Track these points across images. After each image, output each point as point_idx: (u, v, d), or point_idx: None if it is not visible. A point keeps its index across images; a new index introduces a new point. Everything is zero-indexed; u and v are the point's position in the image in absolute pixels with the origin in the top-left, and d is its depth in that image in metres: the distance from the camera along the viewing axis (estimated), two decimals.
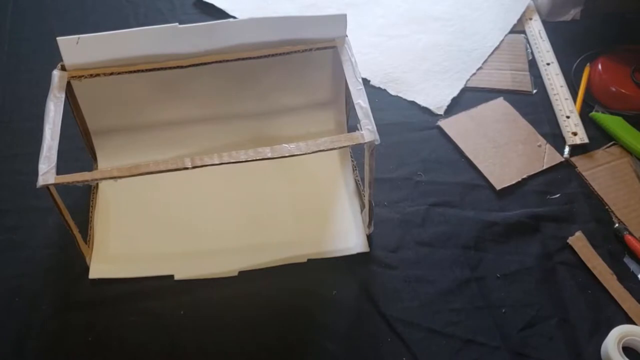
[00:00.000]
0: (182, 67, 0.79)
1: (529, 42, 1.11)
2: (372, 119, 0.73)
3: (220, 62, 0.80)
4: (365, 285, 0.81)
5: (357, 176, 0.91)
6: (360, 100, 0.74)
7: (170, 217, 0.88)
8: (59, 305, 0.79)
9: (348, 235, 0.85)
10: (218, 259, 0.83)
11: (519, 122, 0.99)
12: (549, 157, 0.94)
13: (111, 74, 0.78)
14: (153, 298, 0.80)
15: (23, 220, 0.87)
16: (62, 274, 0.82)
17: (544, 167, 0.93)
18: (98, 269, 0.82)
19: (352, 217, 0.85)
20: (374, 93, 1.03)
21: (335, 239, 0.85)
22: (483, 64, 1.08)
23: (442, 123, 0.99)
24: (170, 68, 0.79)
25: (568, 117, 0.98)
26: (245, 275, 0.82)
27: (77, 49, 0.77)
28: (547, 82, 1.04)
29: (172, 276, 0.81)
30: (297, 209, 0.89)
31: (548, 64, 1.07)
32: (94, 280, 0.81)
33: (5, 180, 0.91)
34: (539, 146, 0.95)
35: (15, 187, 0.90)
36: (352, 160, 0.93)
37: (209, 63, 0.80)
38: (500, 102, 1.02)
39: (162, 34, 0.78)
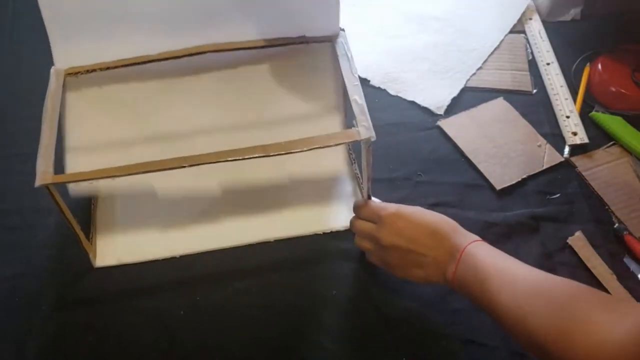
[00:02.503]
0: (177, 57, 0.79)
1: (528, 42, 1.11)
2: (368, 115, 0.73)
3: (214, 51, 0.80)
4: (365, 285, 0.81)
5: (355, 169, 0.91)
6: (356, 96, 0.74)
7: (172, 206, 0.89)
8: (58, 305, 0.79)
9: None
10: (221, 238, 0.85)
11: (519, 122, 0.99)
12: (549, 157, 0.94)
13: (107, 68, 0.79)
14: (153, 298, 0.80)
15: (23, 220, 0.87)
16: (62, 274, 0.82)
17: (544, 167, 0.93)
18: (104, 258, 0.83)
19: (351, 212, 0.84)
20: (374, 93, 1.03)
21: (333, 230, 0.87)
22: (483, 64, 1.08)
23: (442, 123, 0.99)
24: (165, 59, 0.80)
25: (568, 117, 0.98)
26: (245, 275, 0.82)
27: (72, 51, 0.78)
28: (547, 82, 1.04)
29: (171, 276, 0.82)
30: (295, 204, 0.89)
31: (548, 64, 1.07)
32: (95, 276, 0.81)
33: (5, 180, 0.92)
34: (539, 146, 0.95)
35: (15, 187, 0.90)
36: (350, 154, 0.93)
37: (203, 52, 0.80)
38: (500, 102, 1.02)
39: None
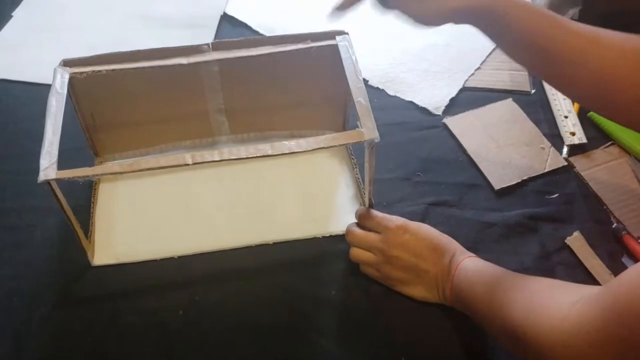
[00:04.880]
0: (183, 64, 0.79)
1: None
2: (372, 116, 0.73)
3: (221, 59, 0.81)
4: (364, 285, 0.81)
5: (357, 174, 0.91)
6: (361, 98, 0.75)
7: (172, 207, 0.89)
8: (57, 306, 0.79)
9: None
10: (219, 239, 0.85)
11: (526, 124, 0.99)
12: (552, 161, 0.94)
13: (113, 70, 0.79)
14: (152, 298, 0.80)
15: (22, 220, 0.87)
16: (61, 274, 0.82)
17: (546, 170, 0.93)
18: (102, 256, 0.83)
19: (352, 216, 0.84)
20: (372, 93, 1.03)
21: (333, 234, 0.86)
22: (481, 64, 1.08)
23: (448, 121, 0.99)
24: (172, 64, 0.80)
25: (566, 117, 0.99)
26: (244, 276, 0.82)
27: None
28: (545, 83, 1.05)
29: (170, 276, 0.82)
30: (296, 207, 0.89)
31: None
32: (94, 276, 0.81)
33: (5, 180, 0.91)
34: (543, 149, 0.95)
35: (14, 187, 0.90)
36: (352, 159, 0.93)
37: (210, 60, 0.80)
38: (508, 103, 1.02)
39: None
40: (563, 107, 1.00)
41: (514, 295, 0.64)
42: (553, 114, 1.00)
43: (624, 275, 0.52)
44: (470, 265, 0.73)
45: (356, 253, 0.80)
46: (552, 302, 0.59)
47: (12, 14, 1.17)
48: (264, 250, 0.84)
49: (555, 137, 0.97)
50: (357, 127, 0.72)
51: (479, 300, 0.69)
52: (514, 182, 0.91)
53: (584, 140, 0.95)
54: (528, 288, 0.65)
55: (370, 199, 0.80)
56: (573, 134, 0.96)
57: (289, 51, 0.81)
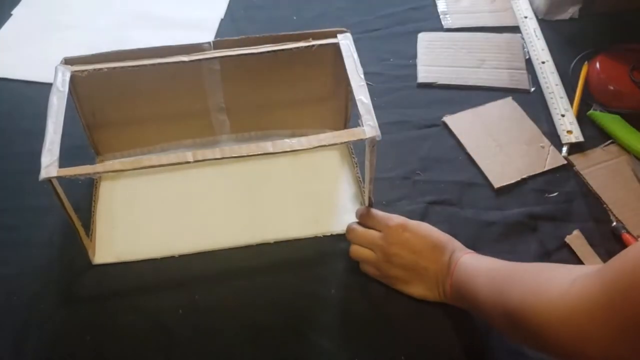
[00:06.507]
0: (184, 62, 0.79)
1: (524, 41, 1.11)
2: (373, 114, 0.73)
3: (222, 57, 0.81)
4: (364, 284, 0.81)
5: (357, 173, 0.91)
6: (362, 96, 0.75)
7: (173, 206, 0.89)
8: (57, 305, 0.79)
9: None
10: (220, 238, 0.85)
11: (525, 123, 0.99)
12: (552, 159, 0.94)
13: (114, 68, 0.79)
14: (152, 297, 0.80)
15: (22, 220, 0.87)
16: (61, 273, 0.82)
17: (546, 169, 0.93)
18: (102, 255, 0.83)
19: (353, 215, 0.85)
20: (372, 91, 1.02)
21: (333, 233, 0.86)
22: (482, 63, 1.08)
23: (447, 119, 0.99)
24: (173, 62, 0.80)
25: (563, 115, 0.99)
26: (244, 275, 0.82)
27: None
28: (542, 81, 1.05)
29: (170, 276, 0.82)
30: (296, 205, 0.89)
31: (543, 63, 1.07)
32: (94, 275, 0.81)
33: (4, 179, 0.91)
34: (542, 147, 0.95)
35: (14, 186, 0.90)
36: (353, 157, 0.93)
37: (211, 58, 0.80)
38: (507, 102, 1.02)
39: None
40: (560, 105, 1.00)
41: (514, 279, 0.64)
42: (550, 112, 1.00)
43: (626, 252, 0.51)
44: (471, 260, 0.73)
45: (356, 250, 0.80)
46: (551, 280, 0.58)
47: (12, 12, 1.17)
48: (264, 250, 0.84)
49: (554, 136, 0.97)
50: (359, 125, 0.72)
51: (480, 291, 0.68)
52: (513, 181, 0.91)
53: (581, 139, 0.95)
54: (527, 270, 0.65)
55: (370, 198, 0.80)
56: (570, 132, 0.96)
57: (290, 49, 0.81)
